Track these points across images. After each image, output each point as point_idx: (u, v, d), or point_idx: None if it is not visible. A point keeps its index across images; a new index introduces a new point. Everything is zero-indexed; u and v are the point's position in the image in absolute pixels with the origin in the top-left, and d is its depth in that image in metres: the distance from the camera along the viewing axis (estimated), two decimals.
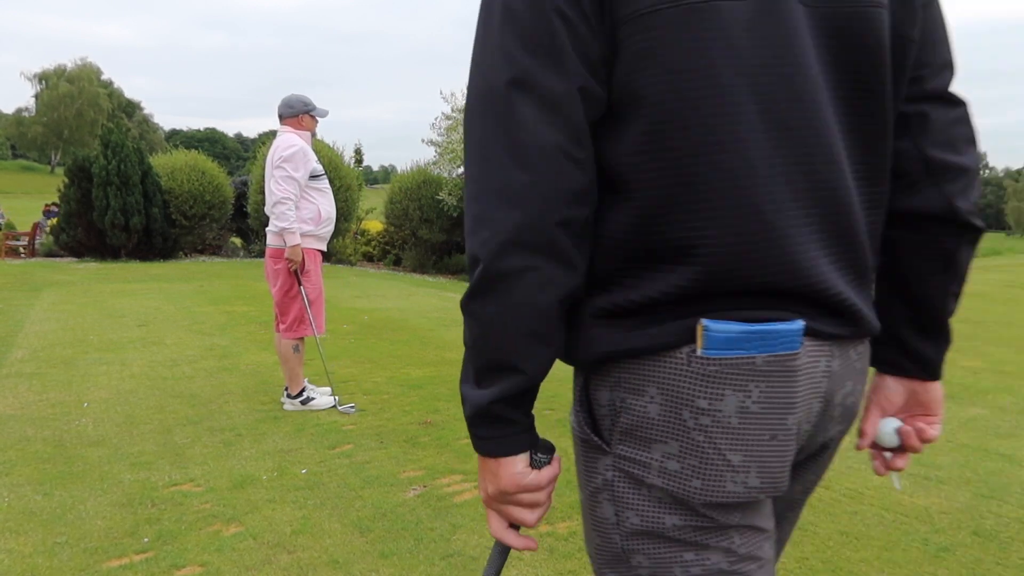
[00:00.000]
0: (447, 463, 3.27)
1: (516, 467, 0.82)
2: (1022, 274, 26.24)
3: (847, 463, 3.38)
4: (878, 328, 0.89)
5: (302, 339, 4.06)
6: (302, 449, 3.43)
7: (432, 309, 8.72)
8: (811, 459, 0.93)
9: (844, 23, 0.78)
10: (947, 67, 0.90)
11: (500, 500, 0.85)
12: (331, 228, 4.14)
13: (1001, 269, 30.10)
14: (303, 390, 4.08)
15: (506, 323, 0.76)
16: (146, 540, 2.46)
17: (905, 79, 0.87)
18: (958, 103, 0.91)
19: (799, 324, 0.76)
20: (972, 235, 0.92)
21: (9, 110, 69.89)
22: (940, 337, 0.95)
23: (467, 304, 0.79)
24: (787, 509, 0.97)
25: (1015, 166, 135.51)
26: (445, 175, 17.27)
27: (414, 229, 17.23)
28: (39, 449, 3.32)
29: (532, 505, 0.84)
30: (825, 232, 0.79)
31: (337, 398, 4.18)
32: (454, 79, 56.71)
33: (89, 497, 2.80)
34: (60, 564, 2.29)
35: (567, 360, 0.86)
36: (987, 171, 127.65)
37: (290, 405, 4.07)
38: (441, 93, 19.66)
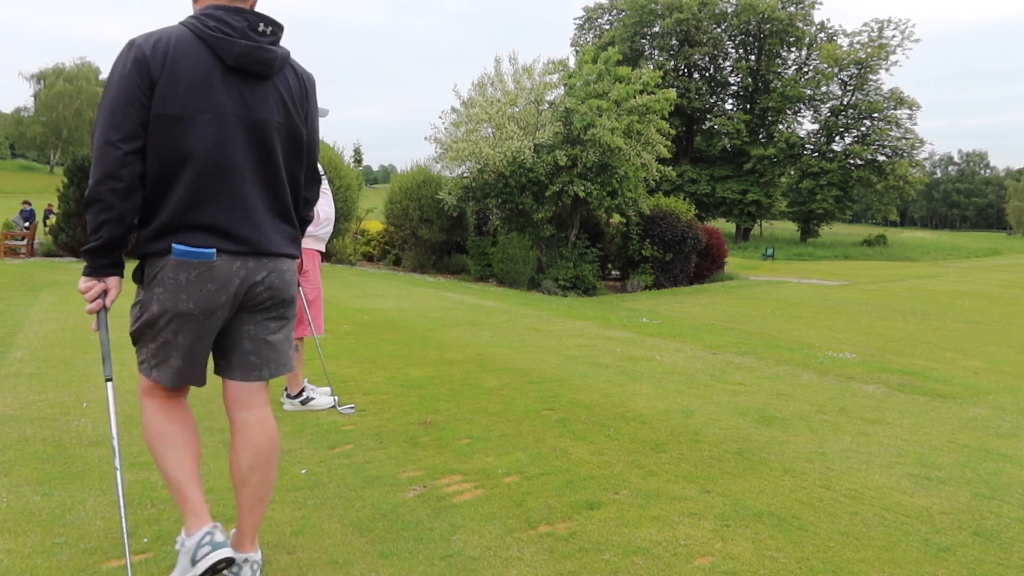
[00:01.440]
0: (447, 463, 3.26)
1: (109, 284, 2.03)
2: (1022, 274, 26.24)
3: (848, 463, 3.38)
4: (278, 250, 2.07)
5: (301, 339, 4.06)
6: (302, 449, 3.42)
7: (432, 309, 8.72)
8: (259, 309, 2.09)
9: (255, 126, 1.98)
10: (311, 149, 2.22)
11: (91, 296, 2.03)
12: (330, 229, 4.13)
13: (1001, 269, 30.12)
14: (303, 390, 4.08)
15: (102, 216, 1.89)
16: (146, 540, 2.46)
17: (305, 151, 2.16)
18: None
19: (212, 250, 1.93)
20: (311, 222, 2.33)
21: (8, 110, 69.80)
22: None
23: (86, 207, 1.91)
24: (255, 333, 2.12)
25: (1016, 166, 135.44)
26: (446, 174, 17.26)
27: (414, 229, 17.22)
28: (38, 449, 3.31)
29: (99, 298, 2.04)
30: (237, 213, 1.97)
31: (337, 398, 4.18)
32: (456, 77, 56.73)
33: (89, 497, 2.79)
34: (59, 564, 2.28)
35: (135, 256, 2.03)
36: (987, 171, 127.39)
37: (290, 405, 4.06)
38: (454, 89, 19.55)
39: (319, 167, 4.02)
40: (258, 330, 2.10)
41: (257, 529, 2.17)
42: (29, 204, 18.97)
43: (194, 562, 1.98)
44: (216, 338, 2.09)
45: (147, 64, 1.86)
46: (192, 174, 1.90)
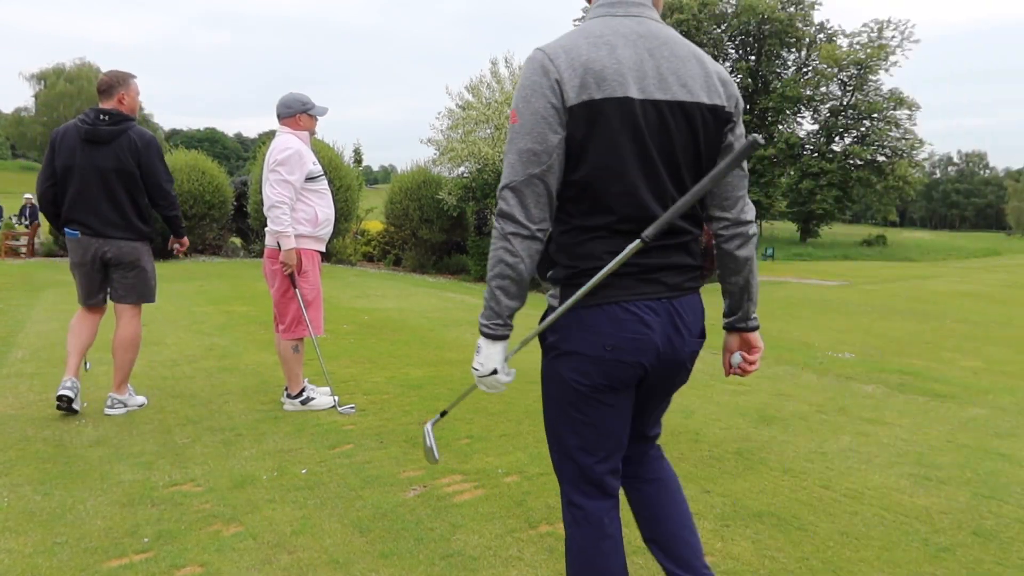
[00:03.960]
0: (447, 463, 3.27)
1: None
2: (1022, 274, 26.23)
3: (847, 463, 3.39)
4: (113, 235, 3.84)
5: (301, 339, 4.06)
6: (302, 449, 3.43)
7: (432, 309, 8.72)
8: (114, 267, 3.93)
9: (100, 171, 3.80)
10: None
11: None
12: (329, 229, 4.13)
13: (1000, 269, 30.09)
14: (303, 390, 4.08)
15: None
16: (146, 540, 2.46)
17: (138, 180, 3.89)
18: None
19: (77, 232, 3.81)
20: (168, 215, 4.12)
21: (8, 110, 69.82)
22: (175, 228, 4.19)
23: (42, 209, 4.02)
24: (116, 280, 3.98)
25: (1015, 166, 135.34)
26: (445, 174, 17.25)
27: (414, 229, 17.20)
28: (39, 449, 3.32)
29: None
30: (91, 215, 3.83)
31: (337, 398, 4.18)
32: (457, 76, 56.67)
33: (89, 497, 2.80)
34: (60, 564, 2.29)
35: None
36: (987, 171, 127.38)
37: (290, 405, 4.06)
38: (447, 89, 19.50)
39: (314, 166, 4.06)
40: (118, 278, 3.92)
41: (122, 380, 3.96)
42: (32, 199, 18.63)
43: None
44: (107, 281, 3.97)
45: (52, 145, 3.79)
46: (71, 196, 3.77)
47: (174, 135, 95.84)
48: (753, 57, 46.07)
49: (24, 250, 15.40)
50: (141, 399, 4.09)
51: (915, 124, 44.81)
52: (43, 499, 2.77)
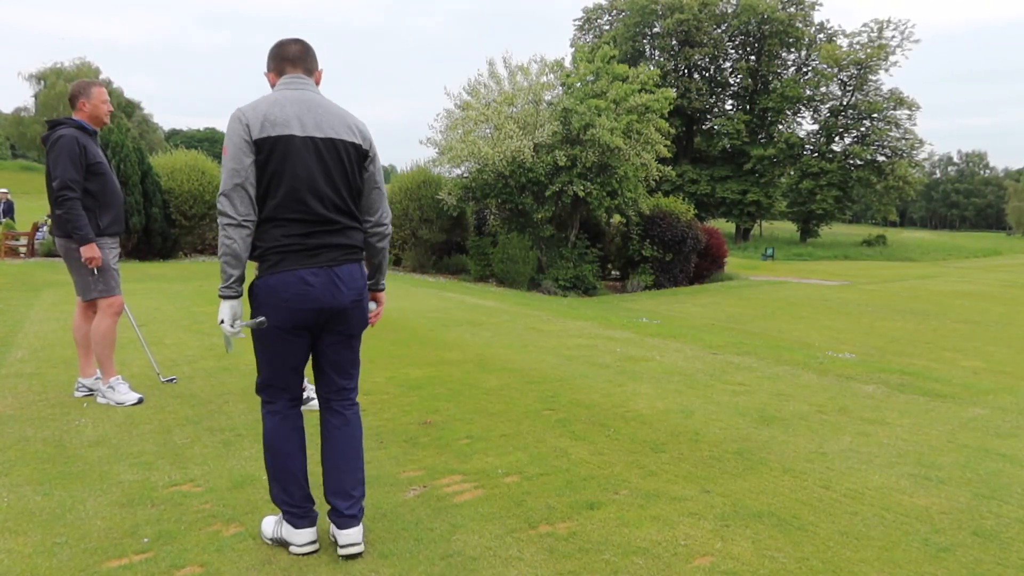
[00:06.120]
0: (447, 463, 3.27)
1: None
2: (1022, 274, 26.23)
3: (847, 463, 3.38)
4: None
5: None
6: None
7: (432, 309, 8.72)
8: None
9: None
10: None
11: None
12: None
13: (1001, 269, 30.10)
14: (303, 390, 4.08)
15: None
16: (146, 540, 2.46)
17: None
18: None
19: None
20: None
21: (8, 110, 69.82)
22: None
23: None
24: None
25: (1015, 166, 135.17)
26: (445, 175, 17.25)
27: (414, 229, 17.19)
28: (39, 449, 3.31)
29: None
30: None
31: None
32: (458, 76, 56.65)
33: (89, 497, 2.79)
34: (60, 564, 2.28)
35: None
36: (987, 171, 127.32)
37: None
38: (446, 90, 19.38)
39: None
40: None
41: (102, 368, 4.10)
42: (7, 194, 18.12)
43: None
44: None
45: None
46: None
47: (174, 135, 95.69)
48: (753, 57, 46.04)
49: (24, 250, 15.39)
50: (128, 396, 4.08)
51: (915, 124, 44.75)
52: (43, 499, 2.77)
